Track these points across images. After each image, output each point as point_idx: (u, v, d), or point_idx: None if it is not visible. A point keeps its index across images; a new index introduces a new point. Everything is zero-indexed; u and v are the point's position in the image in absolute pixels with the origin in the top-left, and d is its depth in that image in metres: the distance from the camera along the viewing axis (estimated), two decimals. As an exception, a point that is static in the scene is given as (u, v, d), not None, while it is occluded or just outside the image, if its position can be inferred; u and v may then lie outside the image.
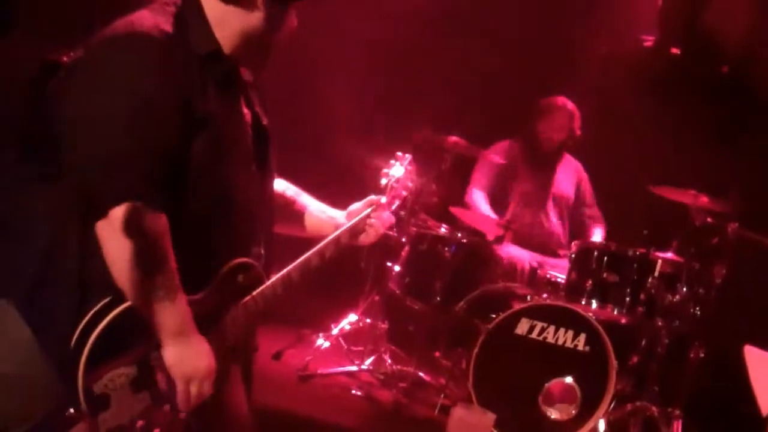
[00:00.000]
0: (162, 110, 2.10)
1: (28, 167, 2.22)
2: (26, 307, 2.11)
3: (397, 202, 2.78)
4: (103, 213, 2.04)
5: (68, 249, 2.13)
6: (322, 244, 2.56)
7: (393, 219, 2.75)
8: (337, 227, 2.66)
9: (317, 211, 2.74)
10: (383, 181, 2.78)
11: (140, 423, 2.14)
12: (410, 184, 2.83)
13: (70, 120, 2.10)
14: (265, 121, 2.49)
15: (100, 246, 2.07)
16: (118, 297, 2.10)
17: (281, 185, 2.69)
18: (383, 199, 2.75)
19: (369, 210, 2.70)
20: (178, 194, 2.15)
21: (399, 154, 2.86)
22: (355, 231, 2.67)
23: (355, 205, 2.75)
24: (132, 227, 2.04)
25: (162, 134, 2.09)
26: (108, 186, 2.05)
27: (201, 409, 2.25)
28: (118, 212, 2.03)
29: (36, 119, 2.23)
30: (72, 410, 2.03)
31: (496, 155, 5.64)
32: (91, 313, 2.08)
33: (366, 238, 2.71)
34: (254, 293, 2.37)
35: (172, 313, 2.13)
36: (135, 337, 2.13)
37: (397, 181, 2.79)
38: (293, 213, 2.71)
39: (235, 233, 2.34)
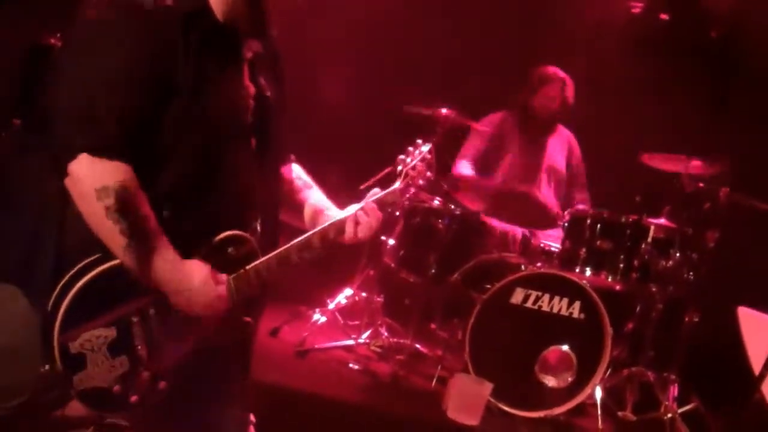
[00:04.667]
0: (132, 71, 2.11)
1: (28, 139, 2.24)
2: (18, 278, 2.13)
3: (412, 191, 2.61)
4: (65, 171, 2.08)
5: (51, 216, 2.17)
6: (318, 228, 2.46)
7: (379, 220, 2.51)
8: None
9: (317, 206, 2.61)
10: (399, 168, 2.60)
11: (117, 388, 2.15)
12: (429, 174, 2.65)
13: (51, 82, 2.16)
14: (268, 93, 2.43)
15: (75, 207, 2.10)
16: (100, 258, 2.12)
17: (295, 172, 2.63)
18: (397, 184, 2.59)
19: (359, 206, 2.51)
20: (158, 157, 2.16)
21: (419, 141, 2.67)
22: (340, 227, 2.47)
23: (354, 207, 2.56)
24: (91, 179, 2.06)
25: (128, 94, 2.10)
26: (66, 140, 2.09)
27: (183, 381, 2.25)
28: (75, 166, 2.07)
29: (33, 93, 2.25)
30: (47, 367, 2.05)
31: (487, 126, 5.63)
32: (72, 272, 2.10)
33: (351, 236, 2.47)
34: (247, 268, 2.31)
35: (157, 260, 2.13)
36: (115, 299, 2.14)
37: (414, 168, 2.61)
38: (295, 203, 2.63)
39: (226, 205, 2.30)
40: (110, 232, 2.08)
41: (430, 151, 2.65)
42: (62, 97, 2.12)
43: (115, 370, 2.14)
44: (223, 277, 2.26)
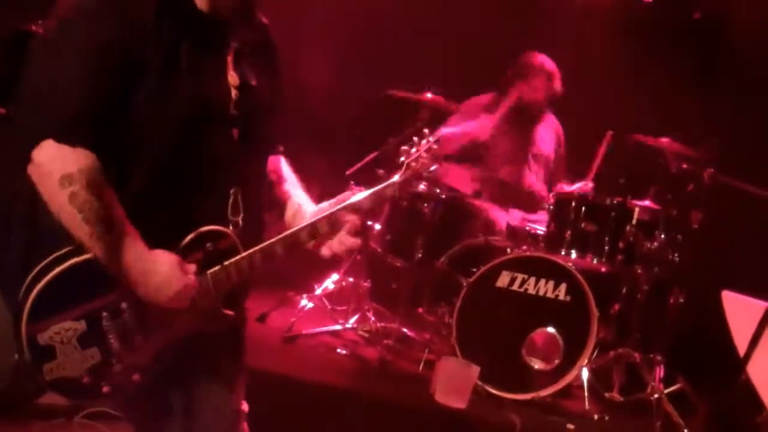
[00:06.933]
0: (96, 55, 2.08)
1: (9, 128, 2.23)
2: None
3: (420, 183, 2.51)
4: (28, 158, 2.07)
5: (21, 207, 2.16)
6: (309, 221, 2.40)
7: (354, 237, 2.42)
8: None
9: (299, 203, 2.56)
10: (401, 159, 2.47)
11: (86, 379, 2.16)
12: (435, 167, 2.52)
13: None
14: (254, 83, 2.37)
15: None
16: (72, 252, 2.11)
17: (276, 164, 2.59)
18: (396, 178, 2.45)
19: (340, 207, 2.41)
20: (129, 149, 2.14)
21: (425, 131, 2.53)
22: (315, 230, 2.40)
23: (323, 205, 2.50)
24: (55, 166, 2.05)
25: (92, 78, 2.08)
26: (29, 126, 2.08)
27: (171, 373, 2.25)
28: (38, 153, 2.06)
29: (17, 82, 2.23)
30: (17, 356, 2.08)
31: (475, 107, 5.61)
32: (42, 264, 2.11)
33: (329, 248, 2.44)
34: (226, 263, 2.27)
35: (122, 248, 2.11)
36: (85, 293, 2.14)
37: (417, 159, 2.48)
38: (273, 197, 2.59)
39: (204, 199, 2.27)
40: (74, 219, 2.06)
41: (437, 141, 2.52)
42: (26, 83, 2.10)
43: (86, 361, 2.15)
44: (192, 267, 2.21)
